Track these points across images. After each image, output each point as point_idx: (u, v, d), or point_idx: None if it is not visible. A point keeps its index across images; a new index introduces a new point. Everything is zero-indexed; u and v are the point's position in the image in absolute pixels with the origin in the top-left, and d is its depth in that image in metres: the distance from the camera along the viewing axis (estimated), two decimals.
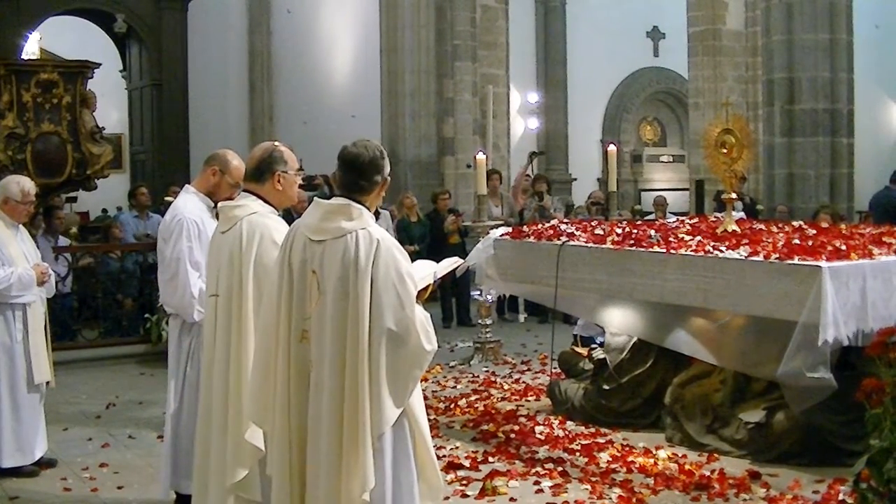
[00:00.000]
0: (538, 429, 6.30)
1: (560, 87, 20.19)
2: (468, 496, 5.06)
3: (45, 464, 5.75)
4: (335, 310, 3.38)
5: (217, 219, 4.26)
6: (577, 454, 5.74)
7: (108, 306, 9.61)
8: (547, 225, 6.94)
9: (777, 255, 5.19)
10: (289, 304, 3.49)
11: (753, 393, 5.78)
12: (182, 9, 16.03)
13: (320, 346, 3.41)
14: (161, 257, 4.93)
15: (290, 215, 6.07)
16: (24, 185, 5.79)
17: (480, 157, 9.12)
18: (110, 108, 15.59)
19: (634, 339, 6.41)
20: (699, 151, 12.67)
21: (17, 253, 5.69)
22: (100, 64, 9.73)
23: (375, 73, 14.81)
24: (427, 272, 3.68)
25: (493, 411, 6.82)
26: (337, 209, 3.47)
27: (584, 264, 6.13)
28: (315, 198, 4.07)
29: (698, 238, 5.83)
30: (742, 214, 8.05)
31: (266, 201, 4.10)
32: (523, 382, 7.83)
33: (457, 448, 5.93)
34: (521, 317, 11.43)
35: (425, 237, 11.15)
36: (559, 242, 6.32)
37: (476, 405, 7.03)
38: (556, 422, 6.49)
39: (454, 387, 7.79)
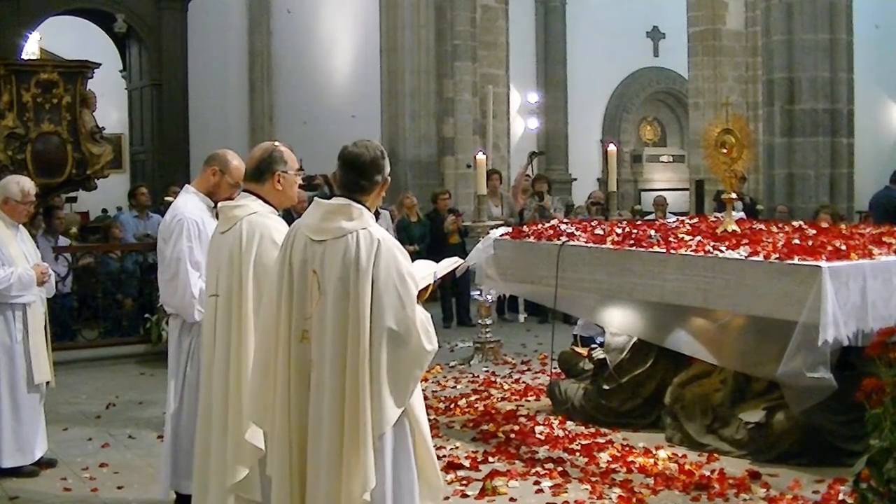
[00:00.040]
0: (538, 429, 6.30)
1: (560, 87, 20.19)
2: (468, 496, 5.06)
3: (45, 464, 5.75)
4: (336, 310, 3.38)
5: (217, 219, 4.26)
6: (577, 454, 5.74)
7: (108, 306, 9.61)
8: (547, 225, 6.94)
9: (777, 255, 5.19)
10: (289, 304, 3.49)
11: (753, 393, 5.78)
12: (182, 9, 16.04)
13: (321, 346, 3.41)
14: (161, 257, 4.93)
15: (290, 215, 6.07)
16: (24, 185, 5.79)
17: (480, 157, 9.12)
18: (110, 108, 15.60)
19: (634, 339, 6.40)
20: (699, 151, 12.68)
21: (17, 253, 5.69)
22: (100, 64, 9.73)
23: (375, 73, 14.81)
24: (427, 272, 3.69)
25: (493, 411, 6.82)
26: (337, 209, 3.47)
27: (584, 264, 6.13)
28: (315, 198, 4.07)
29: (698, 238, 5.83)
30: (742, 214, 8.05)
31: (266, 201, 4.10)
32: (523, 382, 7.83)
33: (457, 448, 5.93)
34: (521, 317, 11.43)
35: (425, 237, 11.15)
36: (559, 242, 6.32)
37: (476, 405, 7.03)
38: (556, 422, 6.49)
39: (454, 387, 7.79)
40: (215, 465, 3.95)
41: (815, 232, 5.90)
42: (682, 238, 5.87)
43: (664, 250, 5.70)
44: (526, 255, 6.61)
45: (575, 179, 19.83)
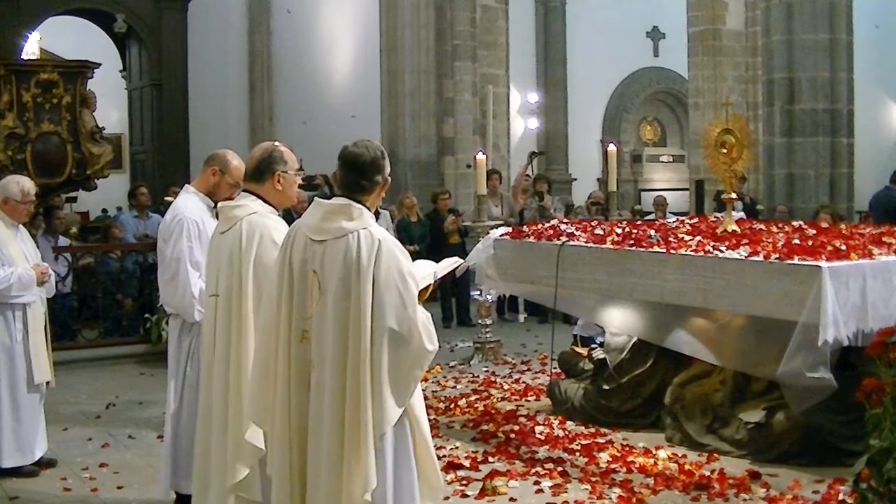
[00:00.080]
0: (538, 429, 6.30)
1: (560, 87, 20.19)
2: (468, 496, 5.06)
3: (45, 464, 5.75)
4: (337, 310, 3.38)
5: (217, 219, 4.26)
6: (577, 454, 5.74)
7: (108, 306, 9.61)
8: (547, 225, 6.94)
9: (777, 255, 5.19)
10: (289, 304, 3.49)
11: (753, 393, 5.77)
12: (182, 9, 16.04)
13: (321, 346, 3.41)
14: (161, 257, 4.93)
15: (290, 215, 6.07)
16: (24, 185, 5.79)
17: (480, 157, 9.12)
18: (110, 108, 15.60)
19: (634, 339, 6.40)
20: (699, 151, 12.68)
21: (17, 253, 5.69)
22: (100, 64, 9.73)
23: (375, 73, 14.80)
24: (427, 272, 3.69)
25: (493, 411, 6.82)
26: (338, 209, 3.47)
27: (584, 264, 6.13)
28: (315, 198, 4.07)
29: (698, 238, 5.83)
30: (742, 214, 8.05)
31: (266, 201, 4.10)
32: (523, 382, 7.83)
33: (457, 448, 5.93)
34: (521, 317, 11.43)
35: (425, 237, 11.15)
36: (559, 242, 6.32)
37: (476, 405, 7.03)
38: (556, 422, 6.49)
39: (454, 387, 7.79)
40: (215, 465, 3.96)
41: (815, 232, 5.90)
42: (682, 238, 5.87)
43: (664, 250, 5.70)
44: (526, 255, 6.61)
45: (575, 179, 19.83)
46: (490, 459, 5.68)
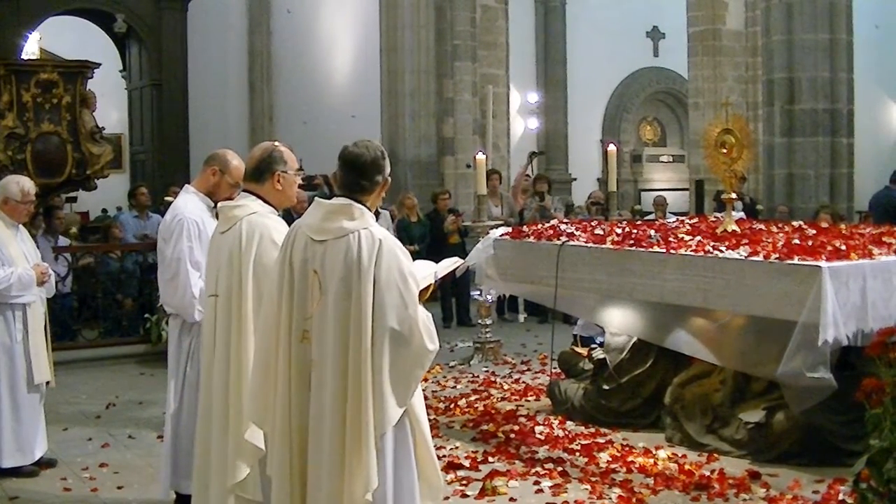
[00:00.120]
0: (538, 429, 6.30)
1: (560, 87, 20.19)
2: (468, 496, 5.06)
3: (45, 464, 5.75)
4: (337, 310, 3.38)
5: (217, 219, 4.26)
6: (577, 454, 5.74)
7: (108, 306, 9.61)
8: (547, 225, 6.94)
9: (777, 255, 5.19)
10: (289, 304, 3.49)
11: (753, 393, 5.77)
12: (182, 9, 16.04)
13: (322, 345, 3.41)
14: (161, 257, 4.93)
15: (289, 215, 6.06)
16: (24, 185, 5.79)
17: (480, 157, 9.13)
18: (110, 108, 15.60)
19: (634, 339, 6.40)
20: (699, 151, 12.68)
21: (17, 253, 5.69)
22: (100, 64, 9.73)
23: (375, 73, 14.81)
24: (427, 272, 3.69)
25: (493, 411, 6.82)
26: (338, 209, 3.47)
27: (584, 264, 6.13)
28: (316, 198, 4.07)
29: (698, 238, 5.83)
30: (742, 214, 8.05)
31: (266, 201, 4.10)
32: (523, 382, 7.83)
33: (457, 448, 5.93)
34: (521, 317, 11.43)
35: (425, 237, 11.15)
36: (559, 242, 6.32)
37: (476, 405, 7.03)
38: (556, 422, 6.49)
39: (454, 387, 7.79)
40: (215, 465, 3.96)
41: (815, 232, 5.90)
42: (682, 238, 5.87)
43: (664, 250, 5.70)
44: (526, 255, 6.61)
45: (575, 179, 19.83)
46: (490, 459, 5.68)
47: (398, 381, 3.34)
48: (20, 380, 5.64)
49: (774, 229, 6.11)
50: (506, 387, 7.69)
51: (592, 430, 6.26)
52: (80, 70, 9.17)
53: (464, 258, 6.14)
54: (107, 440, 6.37)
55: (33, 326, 5.70)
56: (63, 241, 10.17)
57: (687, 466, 5.40)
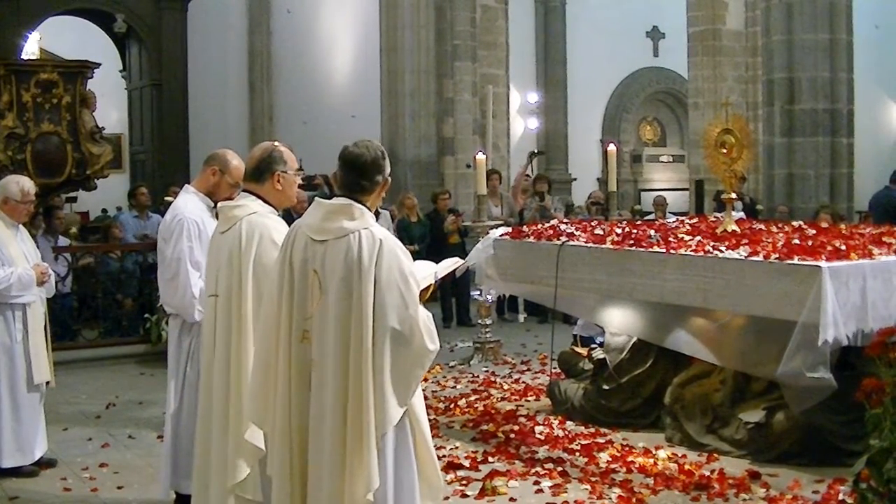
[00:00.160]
0: (538, 429, 6.30)
1: (560, 87, 20.20)
2: (468, 496, 5.06)
3: (45, 464, 5.75)
4: (338, 310, 3.38)
5: (217, 219, 4.26)
6: (577, 454, 5.74)
7: (108, 306, 9.61)
8: (547, 225, 6.94)
9: (777, 255, 5.19)
10: (290, 303, 3.49)
11: (753, 393, 5.77)
12: (182, 9, 16.04)
13: (322, 345, 3.41)
14: (161, 257, 4.93)
15: (289, 215, 6.06)
16: (23, 184, 5.79)
17: (480, 157, 9.12)
18: (110, 108, 15.60)
19: (634, 339, 6.40)
20: (699, 151, 12.68)
21: (17, 253, 5.69)
22: (100, 64, 9.73)
23: (375, 73, 14.81)
24: (427, 272, 3.69)
25: (493, 411, 6.82)
26: (339, 209, 3.47)
27: (584, 264, 6.13)
28: (316, 198, 4.07)
29: (698, 238, 5.83)
30: (742, 214, 8.05)
31: (266, 201, 4.10)
32: (523, 382, 7.83)
33: (457, 448, 5.93)
34: (521, 317, 11.43)
35: (425, 237, 11.15)
36: (559, 242, 6.32)
37: (476, 405, 7.03)
38: (556, 422, 6.49)
39: (454, 387, 7.79)
40: (215, 465, 3.95)
41: (815, 232, 5.90)
42: (682, 238, 5.87)
43: (664, 250, 5.70)
44: (526, 255, 6.61)
45: (575, 179, 19.83)
46: (490, 459, 5.68)
47: (399, 381, 3.35)
48: (20, 380, 5.64)
49: (774, 229, 6.11)
50: (506, 387, 7.69)
51: (592, 430, 6.26)
52: (80, 70, 9.17)
53: (464, 258, 6.14)
54: (107, 440, 6.37)
55: (33, 326, 5.70)
56: (63, 241, 10.17)
57: (687, 466, 5.40)
